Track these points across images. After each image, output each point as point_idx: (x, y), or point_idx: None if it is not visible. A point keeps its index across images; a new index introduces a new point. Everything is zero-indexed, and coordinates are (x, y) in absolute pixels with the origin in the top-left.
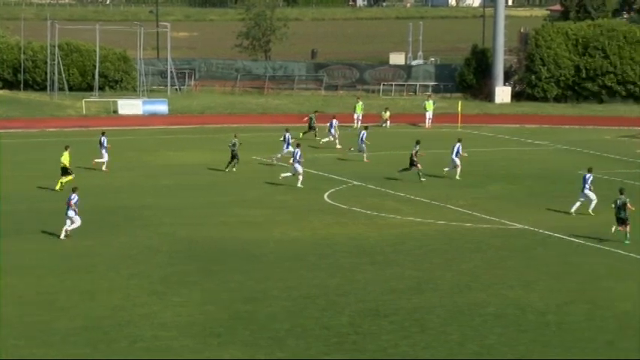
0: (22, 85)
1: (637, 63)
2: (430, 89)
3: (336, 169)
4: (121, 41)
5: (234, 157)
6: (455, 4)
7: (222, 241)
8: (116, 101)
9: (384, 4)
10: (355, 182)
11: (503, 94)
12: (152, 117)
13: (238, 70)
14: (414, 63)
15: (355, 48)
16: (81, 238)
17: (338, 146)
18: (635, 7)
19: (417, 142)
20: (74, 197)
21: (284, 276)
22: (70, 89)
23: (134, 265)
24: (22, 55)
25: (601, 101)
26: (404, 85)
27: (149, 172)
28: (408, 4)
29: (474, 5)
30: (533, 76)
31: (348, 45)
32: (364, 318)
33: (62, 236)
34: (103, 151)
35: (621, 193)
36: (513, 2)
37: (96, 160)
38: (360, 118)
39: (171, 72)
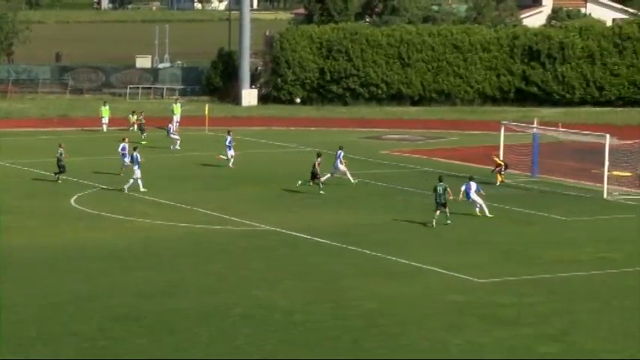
0: None
1: (379, 65)
2: (177, 92)
3: (83, 174)
4: None
5: (60, 167)
6: (201, 8)
7: None
8: None
9: (130, 6)
10: (103, 186)
11: (250, 96)
12: None
13: None
14: (160, 66)
15: (101, 51)
16: None
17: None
18: (377, 10)
19: (319, 155)
20: None
21: (32, 283)
22: None
23: None
24: None
25: (345, 103)
26: (151, 88)
27: None
28: (154, 7)
29: (219, 8)
30: (279, 79)
31: (93, 48)
32: (114, 323)
33: None
34: None
35: (440, 180)
36: (259, 5)
37: None
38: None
39: None
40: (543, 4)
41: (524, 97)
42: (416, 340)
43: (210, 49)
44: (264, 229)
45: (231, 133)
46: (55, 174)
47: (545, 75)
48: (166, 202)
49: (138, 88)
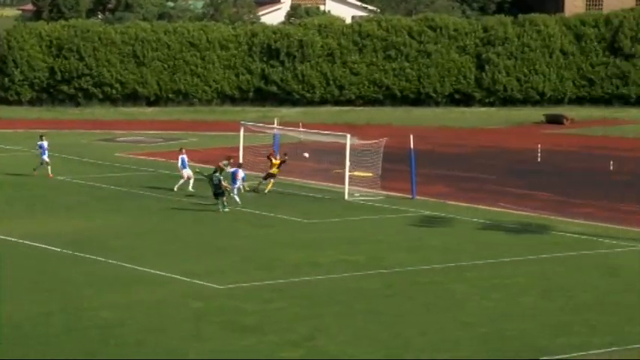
0: None
1: (113, 65)
2: None
3: None
4: None
5: None
6: None
7: None
8: None
9: None
10: None
11: None
12: None
13: None
14: None
15: None
16: None
17: None
18: (109, 6)
19: (228, 158)
20: None
21: None
22: None
23: None
24: None
25: (78, 104)
26: None
27: None
28: None
29: None
30: (6, 79)
31: None
32: None
33: None
34: None
35: (215, 172)
36: None
37: None
38: None
39: None
40: (282, 0)
41: (264, 96)
42: (155, 349)
43: None
44: None
45: None
46: None
47: (284, 74)
48: None
49: None
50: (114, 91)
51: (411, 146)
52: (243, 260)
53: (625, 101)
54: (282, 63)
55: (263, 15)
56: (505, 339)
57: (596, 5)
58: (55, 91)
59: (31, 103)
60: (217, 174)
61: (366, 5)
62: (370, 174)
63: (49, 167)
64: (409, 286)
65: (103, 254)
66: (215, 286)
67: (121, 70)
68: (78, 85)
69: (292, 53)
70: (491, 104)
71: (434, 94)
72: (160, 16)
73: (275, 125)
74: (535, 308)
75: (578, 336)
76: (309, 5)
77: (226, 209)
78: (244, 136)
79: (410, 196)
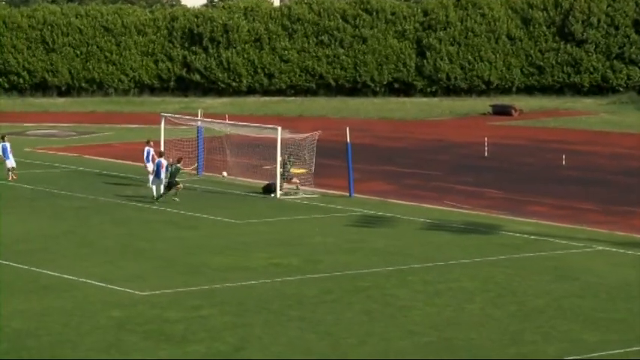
0: None
1: (20, 51)
2: None
3: None
4: None
5: None
6: None
7: None
8: None
9: None
10: None
11: None
12: None
13: None
14: None
15: None
16: None
17: None
18: None
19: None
20: None
21: None
22: None
23: None
24: None
25: None
26: None
27: None
28: None
29: None
30: None
31: None
32: None
33: None
34: None
35: (177, 162)
36: None
37: None
38: None
39: None
40: None
41: (186, 85)
42: None
43: None
44: None
45: None
46: None
47: (208, 61)
48: None
49: None
50: (21, 80)
51: (348, 140)
52: (167, 264)
53: (577, 90)
54: (206, 49)
55: None
56: (452, 349)
57: None
58: None
59: None
60: (179, 164)
61: None
62: (303, 170)
63: (13, 172)
64: (348, 291)
65: (13, 258)
66: (136, 292)
67: (28, 57)
68: None
69: (216, 39)
70: (434, 94)
71: (371, 84)
72: None
73: (199, 117)
74: (484, 315)
75: (531, 345)
76: None
77: (176, 198)
78: (165, 129)
79: (347, 194)
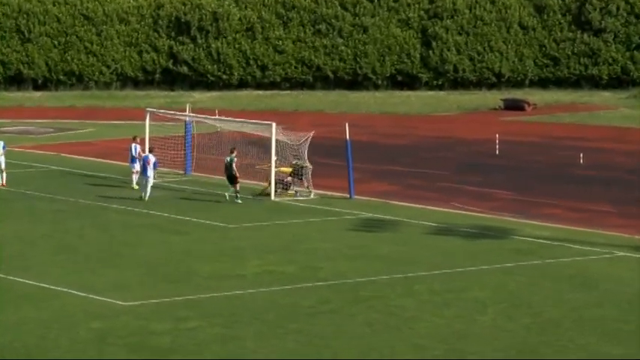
0: None
1: None
2: None
3: None
4: None
5: None
6: None
7: None
8: None
9: None
10: None
11: None
12: None
13: None
14: None
15: None
16: None
17: None
18: None
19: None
20: None
21: None
22: None
23: None
24: None
25: None
26: None
27: None
28: None
29: None
30: None
31: None
32: None
33: None
34: None
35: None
36: None
37: None
38: None
39: None
40: None
41: (173, 78)
42: None
43: None
44: None
45: None
46: None
47: (196, 52)
48: None
49: None
50: None
51: (347, 137)
52: (151, 272)
53: (595, 83)
54: (194, 39)
55: None
56: None
57: None
58: None
59: None
60: (233, 155)
61: None
62: (290, 169)
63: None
64: (349, 301)
65: None
66: (118, 302)
67: (2, 47)
68: None
69: (205, 28)
70: (440, 87)
71: (372, 76)
72: None
73: (187, 112)
74: (496, 327)
75: (547, 359)
76: None
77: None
78: (150, 125)
79: (347, 196)
